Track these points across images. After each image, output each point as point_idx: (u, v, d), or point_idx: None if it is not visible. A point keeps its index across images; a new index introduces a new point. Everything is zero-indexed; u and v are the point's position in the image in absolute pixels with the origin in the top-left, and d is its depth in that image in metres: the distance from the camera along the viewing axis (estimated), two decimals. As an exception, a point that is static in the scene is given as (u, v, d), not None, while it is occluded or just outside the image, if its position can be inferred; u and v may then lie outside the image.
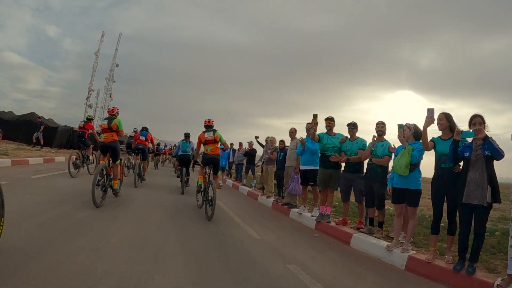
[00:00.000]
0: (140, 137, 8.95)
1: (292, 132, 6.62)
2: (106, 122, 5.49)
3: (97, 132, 9.76)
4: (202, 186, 5.64)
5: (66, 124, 18.96)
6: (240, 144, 12.14)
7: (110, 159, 5.48)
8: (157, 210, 5.36)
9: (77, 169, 8.10)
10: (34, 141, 13.92)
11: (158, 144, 19.92)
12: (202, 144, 5.75)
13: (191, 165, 7.91)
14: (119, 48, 46.73)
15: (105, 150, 5.43)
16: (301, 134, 5.96)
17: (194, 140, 7.58)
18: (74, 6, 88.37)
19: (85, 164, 8.66)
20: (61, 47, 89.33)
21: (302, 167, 5.75)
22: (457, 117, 3.36)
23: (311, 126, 5.20)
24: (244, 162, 11.57)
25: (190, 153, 8.40)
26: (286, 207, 6.38)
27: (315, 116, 5.15)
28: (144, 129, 9.11)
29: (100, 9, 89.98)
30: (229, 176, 13.65)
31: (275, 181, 7.61)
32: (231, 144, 13.31)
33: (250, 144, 10.73)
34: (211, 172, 5.71)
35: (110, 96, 45.63)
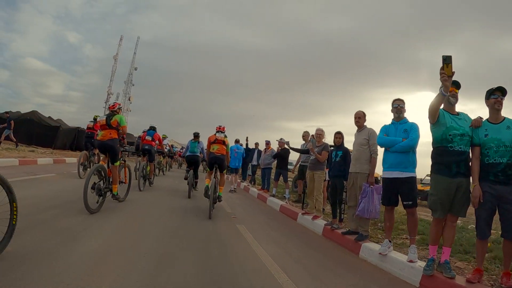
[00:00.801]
0: (146, 137, 8.15)
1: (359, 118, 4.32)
2: (104, 118, 4.86)
3: (88, 126, 8.58)
4: (208, 188, 5.27)
5: (80, 126, 17.84)
6: (267, 144, 9.54)
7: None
8: (155, 217, 4.73)
9: (85, 171, 7.84)
10: (3, 139, 12.51)
11: (172, 146, 18.31)
12: (210, 145, 5.76)
13: (204, 167, 7.77)
14: (138, 53, 46.80)
15: (103, 149, 4.86)
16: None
17: (204, 140, 7.29)
18: (94, 13, 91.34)
19: (91, 165, 7.99)
20: (82, 53, 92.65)
21: (387, 174, 3.50)
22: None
23: (445, 78, 2.61)
24: (274, 165, 9.22)
25: (199, 154, 7.66)
26: (352, 240, 4.04)
27: (446, 59, 2.59)
28: (152, 129, 8.33)
29: (119, 15, 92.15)
30: (252, 183, 11.54)
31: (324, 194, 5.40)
32: (256, 144, 11.15)
33: (281, 142, 8.12)
34: (218, 171, 5.69)
35: (129, 99, 45.64)
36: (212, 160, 5.62)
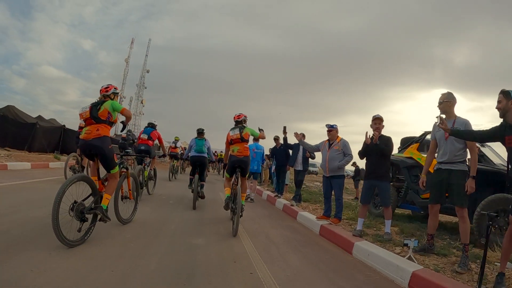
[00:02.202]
0: (142, 136, 6.80)
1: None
2: (87, 109, 3.28)
3: (80, 126, 7.48)
4: (229, 199, 4.43)
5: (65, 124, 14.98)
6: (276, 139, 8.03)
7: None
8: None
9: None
10: None
11: (185, 149, 17.24)
12: (229, 145, 4.70)
13: (223, 169, 6.75)
14: (151, 58, 46.86)
15: (88, 152, 3.31)
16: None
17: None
18: (108, 20, 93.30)
19: (84, 169, 6.88)
20: (97, 59, 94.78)
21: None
22: (495, 115, 2.56)
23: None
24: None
25: (206, 155, 6.33)
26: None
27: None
28: (150, 126, 6.94)
29: (133, 21, 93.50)
30: (297, 200, 6.96)
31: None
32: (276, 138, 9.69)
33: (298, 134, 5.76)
34: (239, 176, 4.61)
35: (142, 102, 45.54)
36: (234, 164, 4.56)
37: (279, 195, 7.86)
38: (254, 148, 7.75)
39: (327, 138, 5.04)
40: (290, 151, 7.52)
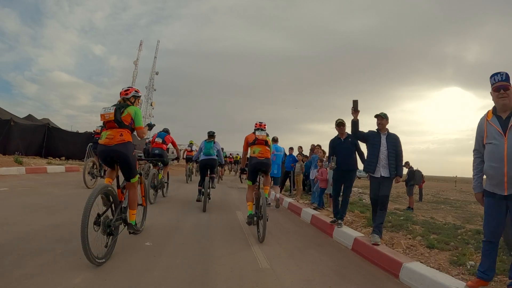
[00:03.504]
0: (156, 140, 7.06)
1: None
2: (111, 111, 3.03)
3: (95, 131, 7.67)
4: (253, 216, 4.20)
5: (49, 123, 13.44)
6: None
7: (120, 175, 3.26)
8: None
9: (95, 179, 7.15)
10: None
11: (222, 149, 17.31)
12: (249, 147, 4.63)
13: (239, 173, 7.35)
14: (162, 62, 47.38)
15: (109, 159, 3.10)
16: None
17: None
18: (118, 25, 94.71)
19: (102, 173, 7.27)
20: (108, 64, 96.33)
21: None
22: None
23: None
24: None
25: (215, 157, 6.38)
26: None
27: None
28: (164, 131, 7.33)
29: (142, 26, 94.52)
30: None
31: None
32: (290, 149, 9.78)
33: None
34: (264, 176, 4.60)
35: (151, 105, 45.82)
36: (256, 167, 4.43)
37: (340, 221, 4.64)
38: (273, 150, 6.91)
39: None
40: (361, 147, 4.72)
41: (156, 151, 6.81)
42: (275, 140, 7.43)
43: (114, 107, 3.07)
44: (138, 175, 3.34)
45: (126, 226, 3.20)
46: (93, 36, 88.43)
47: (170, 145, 7.32)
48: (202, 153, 6.37)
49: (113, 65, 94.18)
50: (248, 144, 4.62)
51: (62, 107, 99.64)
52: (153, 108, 46.76)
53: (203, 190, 5.88)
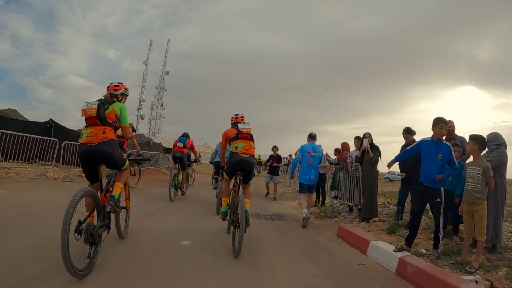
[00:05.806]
0: (178, 144, 7.74)
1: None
2: (94, 106, 2.70)
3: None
4: (228, 212, 3.84)
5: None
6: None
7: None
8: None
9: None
10: None
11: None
12: (229, 143, 3.92)
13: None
14: (175, 64, 48.20)
15: (92, 160, 2.71)
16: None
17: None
18: (130, 29, 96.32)
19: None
20: (121, 68, 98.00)
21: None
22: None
23: None
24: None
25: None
26: None
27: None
28: (184, 135, 7.97)
29: (155, 30, 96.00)
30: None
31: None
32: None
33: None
34: (241, 182, 3.93)
35: (162, 105, 46.07)
36: (238, 165, 3.71)
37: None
38: (310, 150, 5.59)
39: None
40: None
41: (178, 154, 7.46)
42: (312, 137, 5.83)
43: (98, 102, 2.75)
44: (126, 160, 3.04)
45: (109, 230, 2.82)
46: (106, 40, 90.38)
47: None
48: (218, 156, 6.75)
49: (127, 69, 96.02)
50: (227, 140, 3.93)
51: (76, 110, 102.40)
52: (163, 109, 47.08)
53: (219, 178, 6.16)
